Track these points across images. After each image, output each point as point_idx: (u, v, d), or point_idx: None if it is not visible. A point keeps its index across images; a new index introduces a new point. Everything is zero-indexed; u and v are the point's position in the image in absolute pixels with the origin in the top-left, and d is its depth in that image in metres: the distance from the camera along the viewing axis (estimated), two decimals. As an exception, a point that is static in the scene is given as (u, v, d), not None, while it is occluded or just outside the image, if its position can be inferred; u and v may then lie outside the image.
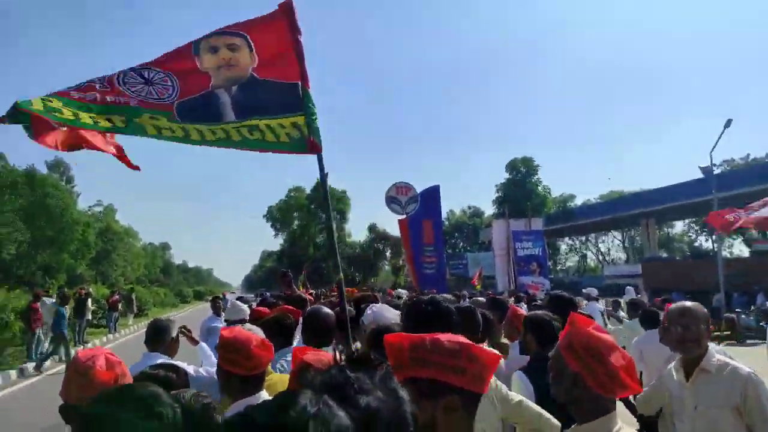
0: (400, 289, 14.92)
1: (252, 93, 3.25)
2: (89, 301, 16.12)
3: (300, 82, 3.25)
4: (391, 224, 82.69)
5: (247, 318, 4.91)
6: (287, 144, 3.18)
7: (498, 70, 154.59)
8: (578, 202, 63.51)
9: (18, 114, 2.74)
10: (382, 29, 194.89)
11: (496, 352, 1.36)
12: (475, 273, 25.81)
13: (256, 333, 2.31)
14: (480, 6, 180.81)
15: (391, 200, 22.20)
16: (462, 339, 1.31)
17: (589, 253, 71.65)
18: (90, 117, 2.87)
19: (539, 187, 58.81)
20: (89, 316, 16.31)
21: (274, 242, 71.52)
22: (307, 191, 67.01)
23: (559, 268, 68.65)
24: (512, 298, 10.10)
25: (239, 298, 6.95)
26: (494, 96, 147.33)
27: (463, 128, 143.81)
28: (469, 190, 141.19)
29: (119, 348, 16.03)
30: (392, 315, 2.98)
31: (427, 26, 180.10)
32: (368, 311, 3.14)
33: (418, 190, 21.33)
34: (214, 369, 2.87)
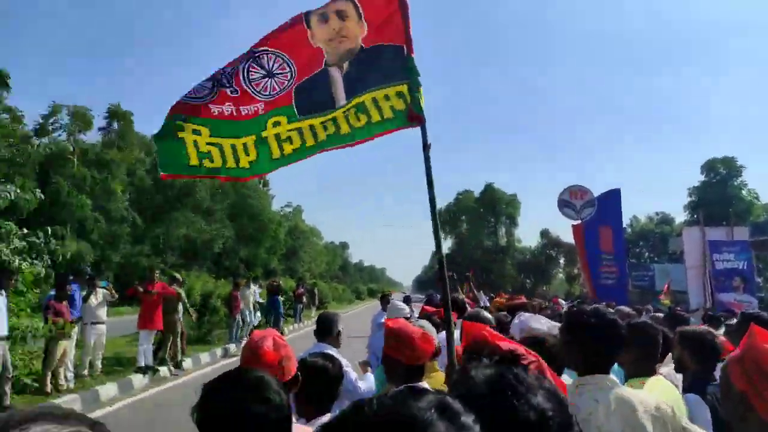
0: (561, 301, 14.05)
1: (361, 66, 3.19)
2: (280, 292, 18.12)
3: (404, 46, 3.11)
4: (565, 230, 78.47)
5: (408, 317, 5.11)
6: (391, 120, 3.10)
7: (689, 54, 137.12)
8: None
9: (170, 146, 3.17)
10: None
11: (563, 381, 1.32)
12: (663, 287, 23.17)
13: (426, 328, 2.42)
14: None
15: (565, 204, 20.94)
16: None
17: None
18: (232, 155, 3.13)
19: (743, 191, 50.57)
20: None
21: (444, 245, 72.27)
22: (476, 195, 66.67)
23: (771, 284, 58.38)
24: (700, 319, 8.81)
25: (406, 298, 7.15)
26: (686, 85, 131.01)
27: (647, 124, 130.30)
28: (656, 195, 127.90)
29: (302, 336, 17.65)
30: (542, 325, 2.80)
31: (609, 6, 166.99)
32: (515, 320, 3.03)
33: (596, 193, 19.88)
34: (366, 387, 3.18)
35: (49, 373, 7.33)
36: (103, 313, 9.07)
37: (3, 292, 6.36)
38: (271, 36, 3.20)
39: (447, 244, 71.17)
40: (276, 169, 3.23)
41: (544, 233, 70.82)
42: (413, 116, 3.04)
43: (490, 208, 64.45)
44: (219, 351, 12.54)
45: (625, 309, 6.55)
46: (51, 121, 25.38)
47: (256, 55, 3.18)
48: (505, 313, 5.05)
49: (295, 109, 3.18)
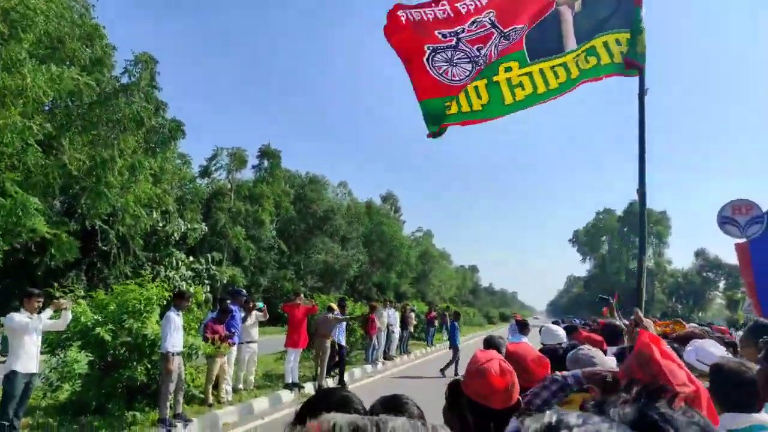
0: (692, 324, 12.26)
1: (593, 7, 3.19)
2: (413, 315, 18.41)
3: None
4: (725, 249, 69.80)
5: (564, 341, 4.85)
6: (619, 65, 3.10)
7: None
8: None
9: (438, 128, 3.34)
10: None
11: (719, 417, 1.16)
12: None
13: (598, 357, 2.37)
14: None
15: (726, 221, 18.78)
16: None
17: None
18: (466, 100, 3.23)
19: None
20: (411, 329, 18.66)
21: (581, 267, 68.20)
22: (618, 213, 62.21)
23: None
24: None
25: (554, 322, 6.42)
26: None
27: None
28: None
29: (435, 359, 17.72)
30: (719, 351, 2.60)
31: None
32: (689, 347, 2.81)
33: (764, 208, 17.64)
34: None
35: (210, 387, 8.18)
36: (255, 333, 9.96)
37: (179, 312, 7.27)
38: None
39: (586, 267, 67.09)
40: (509, 113, 3.32)
41: (700, 253, 63.77)
42: (630, 63, 3.09)
43: (635, 228, 59.58)
44: (357, 371, 13.04)
45: None
46: (213, 162, 28.91)
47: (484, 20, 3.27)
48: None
49: (526, 54, 3.25)
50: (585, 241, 64.85)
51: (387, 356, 15.31)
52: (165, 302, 7.66)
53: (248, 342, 9.68)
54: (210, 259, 22.14)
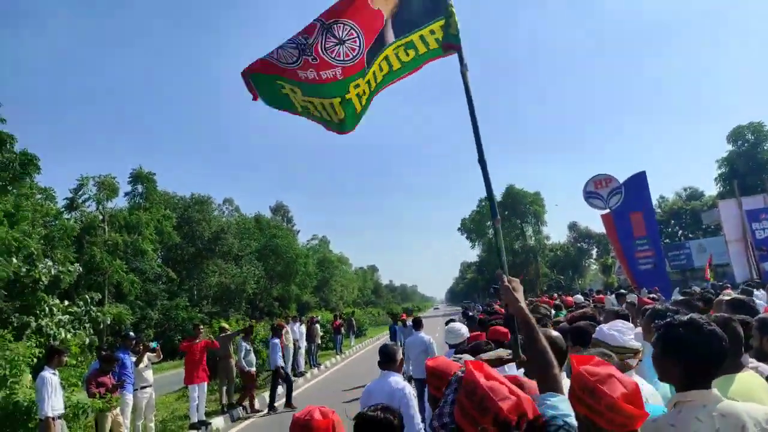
0: (620, 292, 13.48)
1: (405, 8, 3.35)
2: (317, 327, 18.11)
3: None
4: (594, 221, 77.17)
5: (466, 340, 4.84)
6: (437, 50, 3.25)
7: (702, 29, 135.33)
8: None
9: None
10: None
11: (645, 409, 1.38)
12: (705, 264, 22.55)
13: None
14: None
15: (591, 195, 20.55)
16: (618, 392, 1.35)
17: None
18: (325, 112, 3.36)
19: (775, 156, 49.02)
20: (318, 341, 18.36)
21: (472, 253, 71.87)
22: (498, 199, 66.32)
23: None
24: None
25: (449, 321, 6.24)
26: (697, 59, 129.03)
27: (663, 101, 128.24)
28: (681, 172, 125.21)
29: (347, 368, 17.61)
30: (630, 335, 2.70)
31: None
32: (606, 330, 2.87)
33: (620, 180, 19.50)
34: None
35: (104, 445, 7.38)
36: (150, 375, 9.18)
37: (54, 371, 6.49)
38: (338, 6, 3.37)
39: (476, 252, 70.65)
40: (359, 121, 3.45)
41: (572, 226, 69.89)
42: (448, 46, 3.19)
43: (514, 210, 63.88)
44: (266, 395, 12.54)
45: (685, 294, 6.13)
46: (80, 193, 26.22)
47: (328, 25, 3.34)
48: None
49: (366, 65, 3.34)
50: (472, 228, 68.22)
51: (295, 373, 14.91)
52: (36, 359, 6.80)
53: (143, 387, 8.90)
54: (89, 300, 20.11)
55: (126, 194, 29.44)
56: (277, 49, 3.34)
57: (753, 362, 2.89)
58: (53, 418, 6.20)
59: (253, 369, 11.16)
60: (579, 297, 13.62)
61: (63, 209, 25.24)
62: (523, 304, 1.81)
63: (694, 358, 1.83)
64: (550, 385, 1.53)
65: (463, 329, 4.90)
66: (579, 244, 69.05)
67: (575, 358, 1.68)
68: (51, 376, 6.38)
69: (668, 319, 1.99)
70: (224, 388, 10.91)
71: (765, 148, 49.08)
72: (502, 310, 7.69)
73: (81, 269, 21.11)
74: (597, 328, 3.20)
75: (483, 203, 68.00)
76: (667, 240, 52.64)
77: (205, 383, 10.08)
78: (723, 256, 27.09)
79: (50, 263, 19.63)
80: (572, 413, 1.48)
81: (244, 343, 11.20)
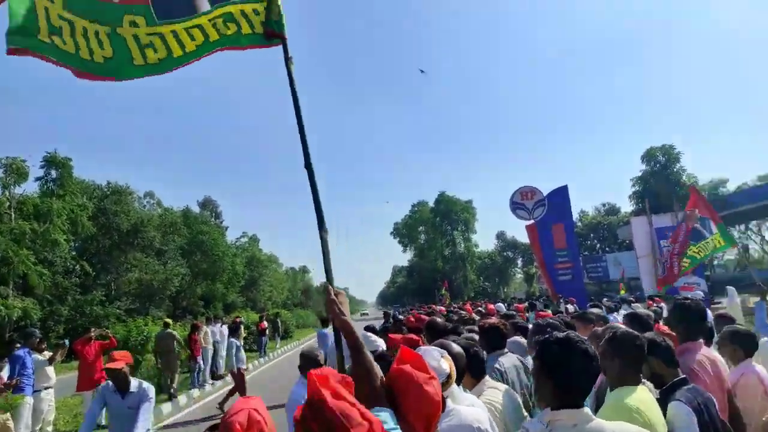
0: (500, 304, 14.09)
1: None
2: (242, 328, 17.63)
3: None
4: (520, 231, 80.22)
5: (382, 349, 4.75)
6: (260, 36, 2.95)
7: (622, 52, 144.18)
8: (731, 187, 56.39)
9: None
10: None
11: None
12: (617, 276, 23.98)
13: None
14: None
15: (517, 206, 21.41)
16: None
17: (751, 244, 63.14)
18: (85, 43, 2.64)
19: (683, 177, 53.16)
20: (241, 342, 17.87)
21: (403, 257, 72.67)
22: (431, 205, 67.37)
23: (716, 263, 61.50)
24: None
25: (369, 329, 6.01)
26: (619, 81, 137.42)
27: (588, 119, 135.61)
28: (600, 187, 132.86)
29: (271, 369, 17.25)
30: (435, 360, 2.30)
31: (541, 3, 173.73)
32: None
33: (544, 192, 20.42)
34: None
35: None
36: (52, 374, 8.58)
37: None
38: None
39: (407, 257, 71.51)
40: (141, 77, 2.81)
41: (500, 236, 72.33)
42: (271, 34, 2.92)
43: (446, 217, 65.22)
44: (183, 398, 12.06)
45: (596, 311, 6.42)
46: (-17, 176, 24.09)
47: None
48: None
49: (153, 12, 2.84)
50: (404, 233, 69.04)
51: (215, 375, 14.43)
52: None
53: (46, 387, 8.30)
54: (-10, 293, 18.56)
55: (37, 179, 27.35)
56: None
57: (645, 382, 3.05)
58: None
59: (244, 366, 10.81)
60: (501, 305, 14.08)
61: (-37, 193, 23.17)
62: (347, 317, 1.78)
63: (565, 376, 1.86)
64: (376, 400, 1.50)
65: (379, 340, 4.68)
66: (505, 253, 71.53)
67: (403, 350, 1.68)
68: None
69: (545, 336, 2.01)
70: (169, 381, 11.91)
71: (675, 169, 53.02)
72: (422, 317, 7.78)
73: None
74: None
75: (416, 208, 69.07)
76: (586, 252, 55.70)
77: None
78: (635, 270, 28.96)
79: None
80: (398, 427, 1.42)
81: (234, 341, 10.95)
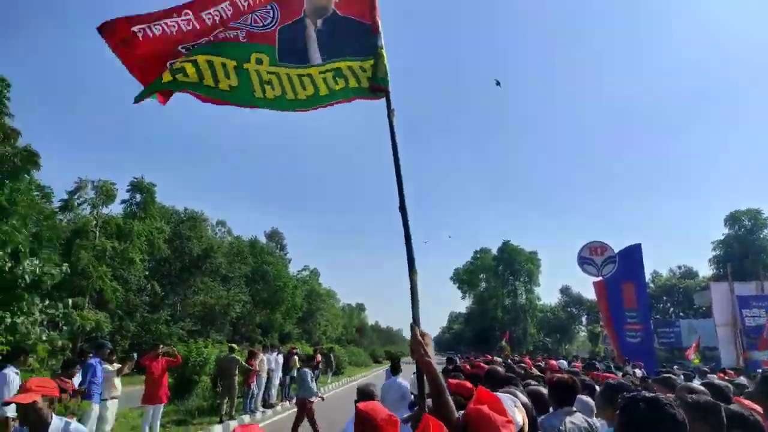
0: (591, 363, 13.28)
1: (334, 31, 3.30)
2: (296, 359, 17.74)
3: (371, 23, 3.25)
4: (586, 287, 76.92)
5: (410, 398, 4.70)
6: (366, 89, 3.18)
7: (709, 106, 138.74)
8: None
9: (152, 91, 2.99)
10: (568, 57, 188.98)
11: None
12: (691, 344, 22.35)
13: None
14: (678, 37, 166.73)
15: (584, 261, 20.68)
16: None
17: None
18: (210, 72, 3.02)
19: (770, 244, 49.29)
20: (294, 373, 17.93)
21: (461, 304, 71.32)
22: (493, 252, 66.17)
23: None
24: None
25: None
26: (704, 137, 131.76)
27: (667, 176, 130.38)
28: (676, 250, 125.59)
29: (320, 404, 17.13)
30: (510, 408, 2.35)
31: (617, 61, 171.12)
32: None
33: (616, 249, 19.60)
34: None
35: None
36: (119, 385, 8.96)
37: (18, 370, 6.34)
38: None
39: (465, 303, 70.12)
40: (258, 107, 3.15)
41: (565, 290, 69.63)
42: (376, 88, 3.14)
43: (509, 266, 63.65)
44: (233, 423, 12.21)
45: (677, 378, 5.90)
46: (77, 196, 26.19)
47: None
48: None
49: (277, 53, 3.20)
50: (464, 279, 67.95)
51: (267, 403, 14.53)
52: (0, 356, 6.63)
53: (112, 397, 8.67)
54: (69, 304, 19.77)
55: (123, 202, 29.41)
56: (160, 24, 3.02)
57: None
58: (12, 419, 6.00)
59: (314, 399, 10.57)
60: (563, 362, 13.45)
61: (57, 210, 25.16)
62: (431, 358, 1.80)
63: None
64: None
65: (405, 386, 4.62)
66: (569, 309, 68.66)
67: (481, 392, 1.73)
68: (14, 376, 6.22)
69: (633, 394, 1.95)
70: (226, 402, 12.33)
71: (761, 235, 49.43)
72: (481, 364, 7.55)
73: (68, 270, 20.90)
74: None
75: (479, 255, 68.03)
76: (658, 316, 52.42)
77: (162, 405, 9.83)
78: (712, 339, 26.91)
79: (36, 261, 19.47)
80: None
81: (307, 371, 10.61)
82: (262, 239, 49.89)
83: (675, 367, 12.49)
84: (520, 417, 2.24)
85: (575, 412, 3.60)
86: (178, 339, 26.45)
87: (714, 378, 9.32)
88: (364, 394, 3.98)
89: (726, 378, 9.04)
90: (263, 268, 39.77)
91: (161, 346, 11.01)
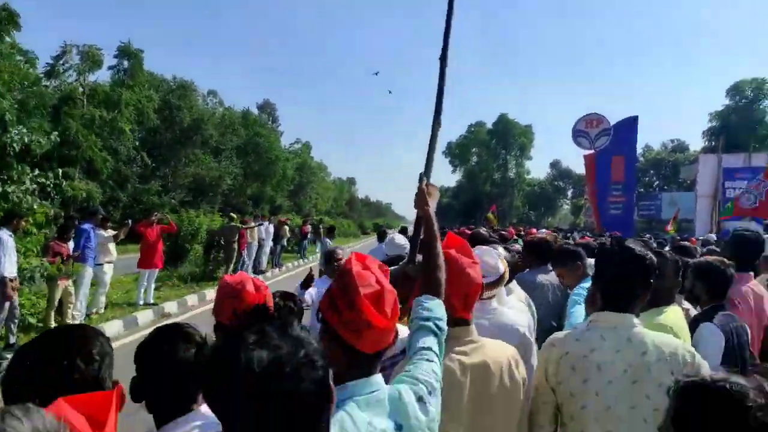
0: (543, 230, 13.80)
1: None
2: (286, 229, 18.32)
3: None
4: (577, 161, 77.40)
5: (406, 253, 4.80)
6: None
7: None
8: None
9: None
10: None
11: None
12: (670, 215, 23.13)
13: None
14: None
15: (579, 134, 20.39)
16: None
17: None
18: None
19: (768, 116, 48.04)
20: (285, 243, 18.65)
21: (451, 178, 71.93)
22: (488, 126, 65.45)
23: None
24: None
25: (403, 229, 6.37)
26: (707, 7, 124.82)
27: (667, 44, 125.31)
28: (673, 123, 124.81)
29: (303, 271, 17.99)
30: (493, 260, 2.40)
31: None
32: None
33: (612, 122, 19.28)
34: None
35: (52, 313, 7.48)
36: (113, 250, 9.24)
37: (11, 233, 6.48)
38: None
39: (455, 177, 70.85)
40: None
41: (555, 164, 70.18)
42: None
43: (502, 140, 63.32)
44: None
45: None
46: (62, 62, 24.88)
47: None
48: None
49: None
50: (456, 153, 67.86)
51: (257, 270, 15.26)
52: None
53: (108, 262, 9.00)
54: (59, 174, 19.74)
55: (110, 68, 28.04)
56: None
57: (686, 304, 3.05)
58: (10, 279, 6.25)
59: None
60: (543, 231, 13.91)
61: (42, 75, 24.09)
62: (431, 209, 1.81)
63: (612, 279, 1.86)
64: (432, 289, 1.55)
65: (404, 242, 4.53)
66: (556, 183, 69.72)
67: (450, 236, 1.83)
68: (7, 238, 6.36)
69: (605, 245, 2.06)
70: (224, 269, 12.99)
71: (761, 106, 48.08)
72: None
73: (57, 139, 20.55)
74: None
75: (473, 128, 67.26)
76: (641, 189, 53.40)
77: (156, 270, 10.30)
78: (691, 212, 27.65)
79: (24, 130, 19.01)
80: (445, 317, 1.49)
81: (328, 240, 11.71)
82: (255, 111, 48.87)
83: (647, 236, 13.01)
84: (502, 267, 2.37)
85: (550, 270, 3.83)
86: (170, 210, 26.93)
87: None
88: (329, 255, 4.21)
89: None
90: (255, 140, 39.42)
91: (155, 213, 11.31)
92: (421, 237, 1.78)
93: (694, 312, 2.96)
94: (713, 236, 11.68)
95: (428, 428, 1.25)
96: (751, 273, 3.32)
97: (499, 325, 2.23)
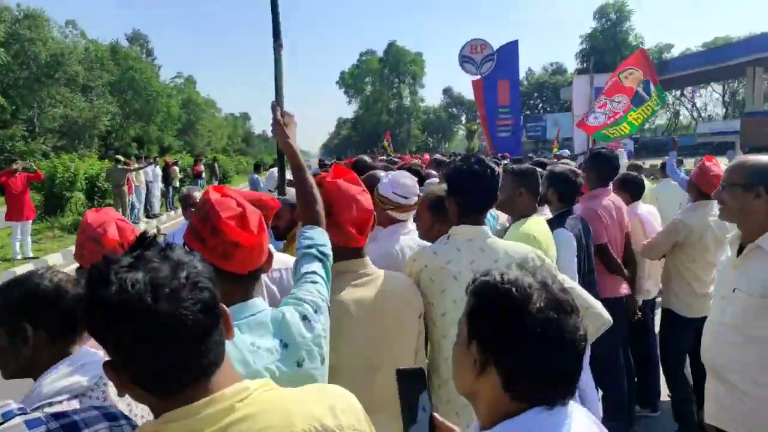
0: (437, 156, 14.40)
1: None
2: (176, 169, 17.30)
3: None
4: (468, 88, 79.22)
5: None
6: None
7: None
8: (676, 52, 56.87)
9: None
10: None
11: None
12: (554, 135, 24.70)
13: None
14: None
15: (465, 59, 20.82)
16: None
17: (682, 110, 65.76)
18: None
19: (631, 37, 52.53)
20: (176, 184, 17.65)
21: (348, 109, 71.25)
22: (379, 55, 64.67)
23: (647, 127, 64.21)
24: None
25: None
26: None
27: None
28: (553, 46, 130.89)
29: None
30: (411, 181, 2.50)
31: None
32: (384, 179, 2.72)
33: (495, 47, 19.83)
34: None
35: None
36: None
37: None
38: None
39: (352, 108, 70.21)
40: None
41: (447, 91, 71.58)
42: None
43: (394, 69, 63.14)
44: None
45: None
46: None
47: None
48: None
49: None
50: (350, 83, 66.83)
51: (150, 214, 14.43)
52: None
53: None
54: None
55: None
56: None
57: (548, 212, 3.28)
58: None
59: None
60: (438, 157, 14.32)
61: None
62: (292, 140, 1.73)
63: (466, 193, 1.97)
64: (312, 219, 1.56)
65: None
66: (451, 109, 71.47)
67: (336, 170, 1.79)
68: None
69: (456, 163, 2.11)
70: (120, 213, 11.49)
71: (624, 28, 52.14)
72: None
73: None
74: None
75: (364, 57, 66.21)
76: (528, 112, 56.41)
77: (29, 221, 9.59)
78: (570, 131, 29.74)
79: None
80: (328, 243, 1.52)
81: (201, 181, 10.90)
82: (124, 44, 44.23)
83: (528, 154, 13.96)
84: (414, 199, 2.44)
85: None
86: (43, 155, 24.32)
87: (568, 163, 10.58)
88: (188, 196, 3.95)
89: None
90: (129, 75, 35.93)
91: (16, 161, 10.45)
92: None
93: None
94: (567, 151, 13.01)
95: (314, 343, 1.27)
96: (610, 187, 3.58)
97: (388, 238, 2.35)
